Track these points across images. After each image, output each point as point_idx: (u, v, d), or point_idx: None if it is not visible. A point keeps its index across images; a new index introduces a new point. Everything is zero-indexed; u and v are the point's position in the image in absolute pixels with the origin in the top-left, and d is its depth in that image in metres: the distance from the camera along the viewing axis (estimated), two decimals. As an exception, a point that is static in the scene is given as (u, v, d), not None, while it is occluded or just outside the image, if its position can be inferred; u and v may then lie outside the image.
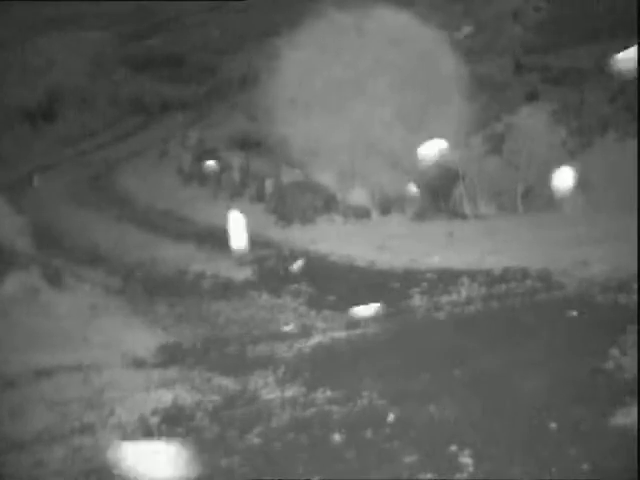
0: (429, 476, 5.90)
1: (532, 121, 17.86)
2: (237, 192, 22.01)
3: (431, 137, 18.70)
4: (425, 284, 12.02)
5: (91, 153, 33.60)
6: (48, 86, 37.71)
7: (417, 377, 7.82)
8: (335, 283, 12.86)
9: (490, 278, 11.80)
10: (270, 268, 14.48)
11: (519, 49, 23.27)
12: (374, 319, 10.45)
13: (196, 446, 6.84)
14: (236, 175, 23.11)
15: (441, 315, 10.17)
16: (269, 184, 20.90)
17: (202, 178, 24.11)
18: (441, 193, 18.36)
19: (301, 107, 19.23)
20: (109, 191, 26.15)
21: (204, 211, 20.79)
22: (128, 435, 7.22)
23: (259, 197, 20.88)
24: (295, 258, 14.75)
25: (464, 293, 11.22)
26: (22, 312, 10.83)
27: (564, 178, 16.81)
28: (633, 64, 23.48)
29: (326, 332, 10.08)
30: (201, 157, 25.62)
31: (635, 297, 9.31)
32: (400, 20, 19.61)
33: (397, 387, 7.65)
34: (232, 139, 26.62)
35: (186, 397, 8.08)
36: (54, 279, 12.15)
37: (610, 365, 7.47)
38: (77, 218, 21.14)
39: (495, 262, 12.66)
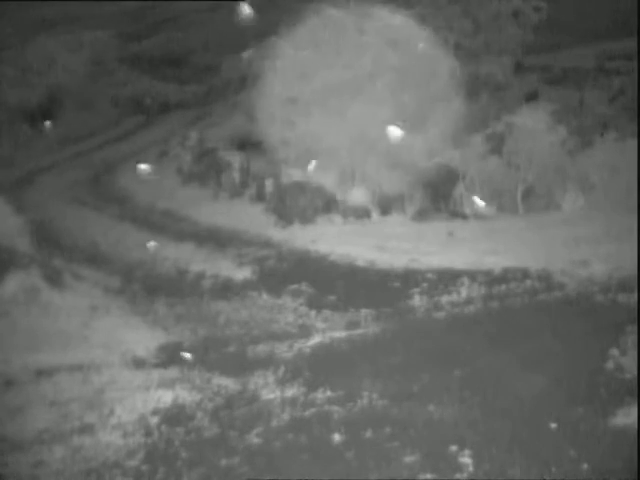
0: (429, 476, 5.90)
1: (532, 121, 17.84)
2: (237, 192, 21.99)
3: (430, 137, 18.67)
4: (425, 284, 12.01)
5: (91, 153, 33.57)
6: (48, 86, 37.68)
7: (417, 377, 7.82)
8: (335, 283, 12.84)
9: (490, 278, 11.80)
10: (270, 268, 14.47)
11: (519, 49, 23.24)
12: (374, 319, 10.45)
13: (196, 446, 6.84)
14: (236, 175, 23.08)
15: (441, 315, 10.17)
16: (269, 184, 20.86)
17: (202, 178, 24.07)
18: (441, 193, 18.34)
19: (301, 107, 19.19)
20: (109, 191, 26.11)
21: (204, 211, 20.77)
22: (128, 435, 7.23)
23: (259, 197, 20.84)
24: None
25: (464, 293, 11.22)
26: (22, 312, 10.82)
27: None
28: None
29: (326, 332, 10.08)
30: (201, 157, 25.58)
31: (635, 297, 9.32)
32: (400, 20, 19.58)
33: (397, 387, 7.65)
34: (232, 139, 26.52)
35: (186, 397, 8.08)
36: (54, 279, 12.12)
37: (610, 365, 7.47)
38: (77, 218, 21.09)
39: (495, 262, 12.66)
